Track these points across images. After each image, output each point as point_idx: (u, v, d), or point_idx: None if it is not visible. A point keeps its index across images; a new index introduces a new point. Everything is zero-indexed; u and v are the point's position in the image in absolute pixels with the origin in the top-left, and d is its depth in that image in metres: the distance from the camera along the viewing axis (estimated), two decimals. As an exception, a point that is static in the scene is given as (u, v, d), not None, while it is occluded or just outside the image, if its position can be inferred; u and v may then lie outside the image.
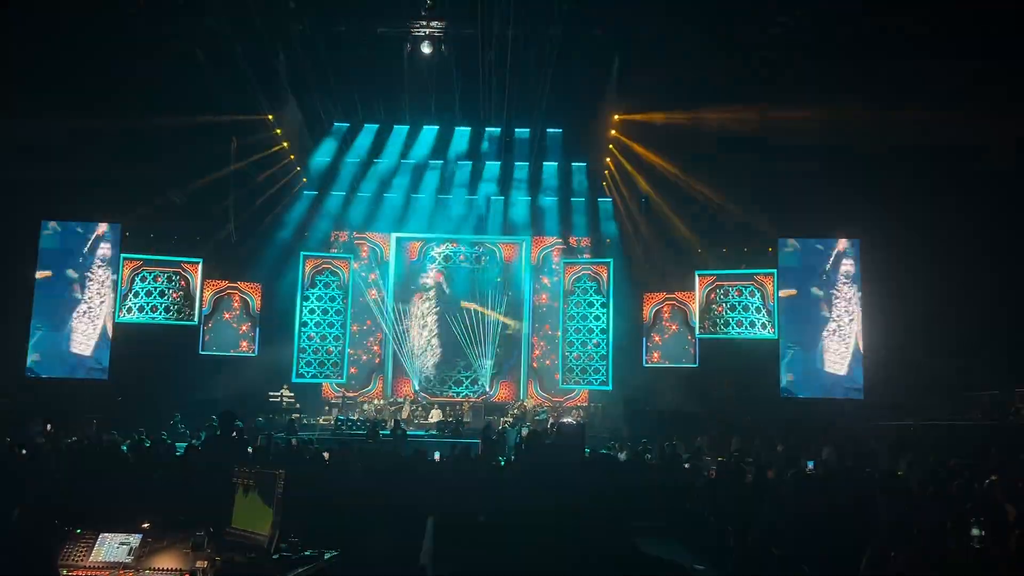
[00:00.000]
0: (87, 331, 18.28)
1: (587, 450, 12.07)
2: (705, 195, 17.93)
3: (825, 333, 18.37)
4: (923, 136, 14.34)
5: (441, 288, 21.16)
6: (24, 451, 9.81)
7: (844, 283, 18.41)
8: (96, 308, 18.42)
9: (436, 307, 21.04)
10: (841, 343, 18.23)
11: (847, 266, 18.41)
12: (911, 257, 16.32)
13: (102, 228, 18.59)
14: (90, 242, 18.52)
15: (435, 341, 20.89)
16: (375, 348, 21.06)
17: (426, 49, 16.47)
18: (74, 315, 18.25)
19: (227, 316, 19.82)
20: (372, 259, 21.31)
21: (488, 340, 20.73)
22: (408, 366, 20.77)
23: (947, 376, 15.79)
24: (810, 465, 11.12)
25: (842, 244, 18.52)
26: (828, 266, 18.56)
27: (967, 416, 15.33)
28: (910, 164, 15.46)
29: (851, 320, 18.29)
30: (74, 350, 18.16)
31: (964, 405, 15.80)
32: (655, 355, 20.09)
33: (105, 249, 18.57)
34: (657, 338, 20.13)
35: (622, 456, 13.42)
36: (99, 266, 18.52)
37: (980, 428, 14.35)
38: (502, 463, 11.24)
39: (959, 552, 5.28)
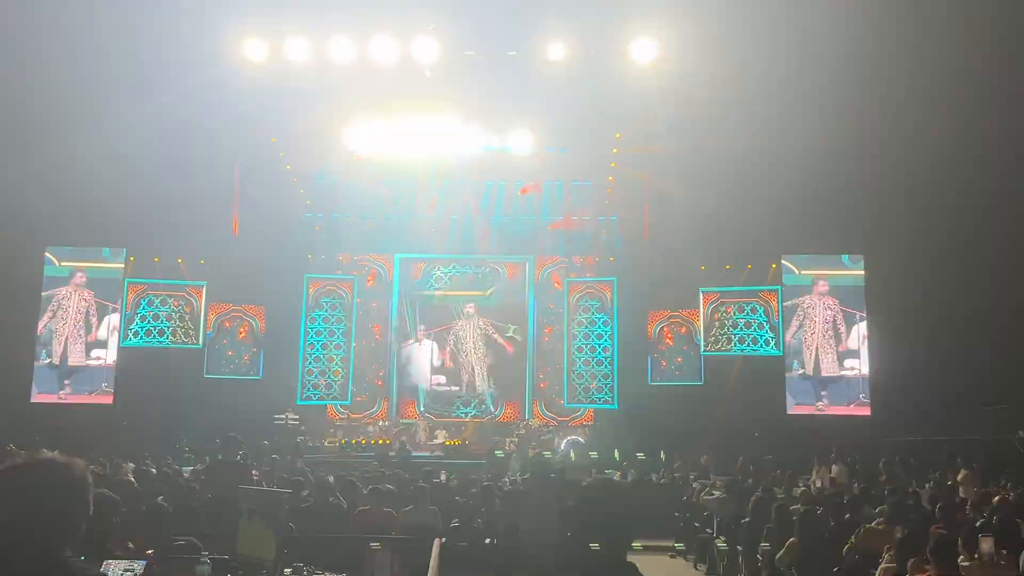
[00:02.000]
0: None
1: (592, 471, 12.02)
2: (708, 212, 17.91)
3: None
4: (925, 148, 14.37)
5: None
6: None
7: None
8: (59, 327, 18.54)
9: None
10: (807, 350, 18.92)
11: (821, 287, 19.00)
12: (917, 271, 16.29)
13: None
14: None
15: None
16: (377, 383, 20.97)
17: (427, 69, 16.56)
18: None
19: (231, 340, 19.82)
20: (375, 284, 21.25)
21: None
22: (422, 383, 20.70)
23: (956, 391, 15.70)
24: (818, 483, 11.06)
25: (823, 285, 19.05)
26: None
27: (976, 431, 15.24)
28: (915, 177, 15.46)
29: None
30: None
31: (973, 420, 15.71)
32: (660, 373, 20.03)
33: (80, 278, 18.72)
34: (662, 356, 20.07)
35: (628, 476, 13.36)
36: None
37: (989, 443, 14.27)
38: (508, 485, 11.20)
39: (971, 568, 5.25)
